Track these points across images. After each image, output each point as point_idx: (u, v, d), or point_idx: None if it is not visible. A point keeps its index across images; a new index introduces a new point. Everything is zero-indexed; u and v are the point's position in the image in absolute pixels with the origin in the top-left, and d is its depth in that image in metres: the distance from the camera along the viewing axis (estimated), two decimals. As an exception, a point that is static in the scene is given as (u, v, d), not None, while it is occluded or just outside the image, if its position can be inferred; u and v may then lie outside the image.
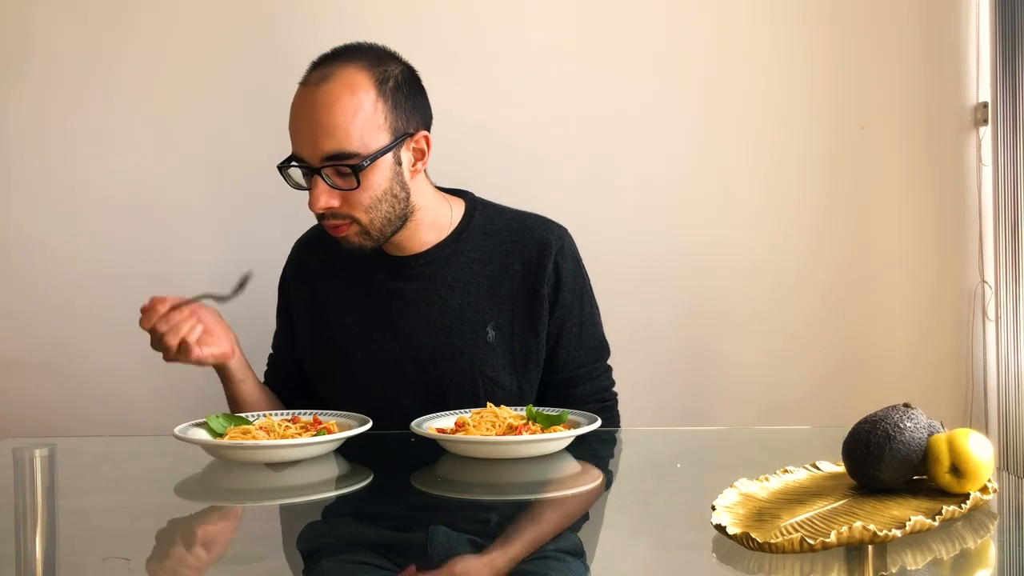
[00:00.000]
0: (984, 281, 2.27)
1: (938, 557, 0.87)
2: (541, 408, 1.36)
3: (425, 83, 1.53)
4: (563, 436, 1.27)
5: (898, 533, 0.85)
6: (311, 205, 1.40)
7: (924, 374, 2.26)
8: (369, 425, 1.32)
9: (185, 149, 2.13)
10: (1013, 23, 2.11)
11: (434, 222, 1.53)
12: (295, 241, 1.69)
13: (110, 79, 2.12)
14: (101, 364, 2.14)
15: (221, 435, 1.32)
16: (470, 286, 1.52)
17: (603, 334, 1.60)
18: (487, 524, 1.10)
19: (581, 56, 2.16)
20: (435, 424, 1.36)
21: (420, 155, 1.48)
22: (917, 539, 0.89)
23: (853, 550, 0.86)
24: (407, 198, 1.47)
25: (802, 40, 2.19)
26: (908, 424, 0.99)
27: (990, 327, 2.27)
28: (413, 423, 1.34)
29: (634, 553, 0.98)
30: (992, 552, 0.94)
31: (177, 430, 1.31)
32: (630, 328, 2.01)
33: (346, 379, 1.53)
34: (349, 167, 1.38)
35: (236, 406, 1.53)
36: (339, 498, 1.22)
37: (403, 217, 1.48)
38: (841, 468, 1.08)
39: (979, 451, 0.97)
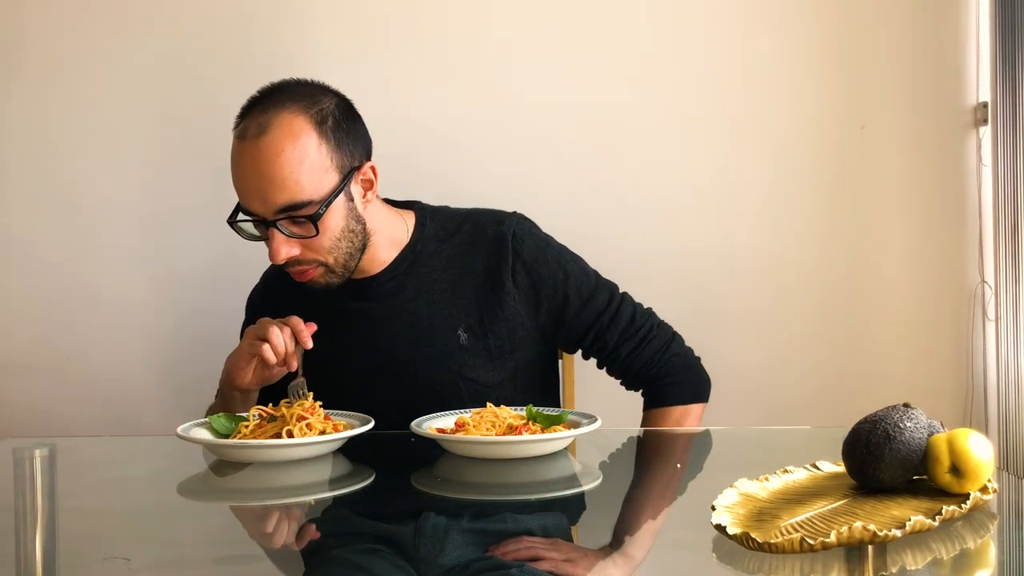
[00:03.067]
0: (984, 281, 2.27)
1: (938, 557, 0.87)
2: (541, 408, 1.36)
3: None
4: (562, 436, 1.27)
5: (898, 533, 0.85)
6: (272, 258, 1.39)
7: (924, 374, 2.26)
8: (371, 424, 1.32)
9: (186, 149, 2.14)
10: (1013, 23, 2.10)
11: (390, 239, 1.53)
12: (263, 271, 1.67)
13: (109, 79, 2.13)
14: (101, 365, 2.15)
15: (224, 435, 1.32)
16: (434, 293, 1.53)
17: (601, 277, 1.60)
18: (484, 521, 1.11)
19: (582, 59, 2.17)
20: (435, 424, 1.36)
21: (369, 185, 1.47)
22: (917, 539, 0.89)
23: (853, 550, 0.86)
24: (363, 229, 1.47)
25: (802, 40, 2.20)
26: (908, 424, 0.99)
27: (990, 327, 2.27)
28: (413, 423, 1.34)
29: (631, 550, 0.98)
30: (992, 552, 0.94)
31: (180, 430, 1.31)
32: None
33: (325, 403, 1.47)
34: (305, 217, 1.38)
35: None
36: (339, 498, 1.22)
37: (363, 247, 1.48)
38: (841, 468, 1.08)
39: (979, 451, 0.97)
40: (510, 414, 1.32)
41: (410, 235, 1.55)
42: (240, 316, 1.68)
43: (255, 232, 1.43)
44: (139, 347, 2.16)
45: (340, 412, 1.39)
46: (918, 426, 0.99)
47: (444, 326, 1.52)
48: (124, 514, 1.13)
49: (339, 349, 1.53)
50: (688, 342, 1.65)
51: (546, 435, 1.26)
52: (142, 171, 2.14)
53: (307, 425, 1.29)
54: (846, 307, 2.22)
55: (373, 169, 1.47)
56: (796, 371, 2.21)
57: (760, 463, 1.36)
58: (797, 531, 0.88)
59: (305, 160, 1.37)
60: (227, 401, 1.48)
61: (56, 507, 1.10)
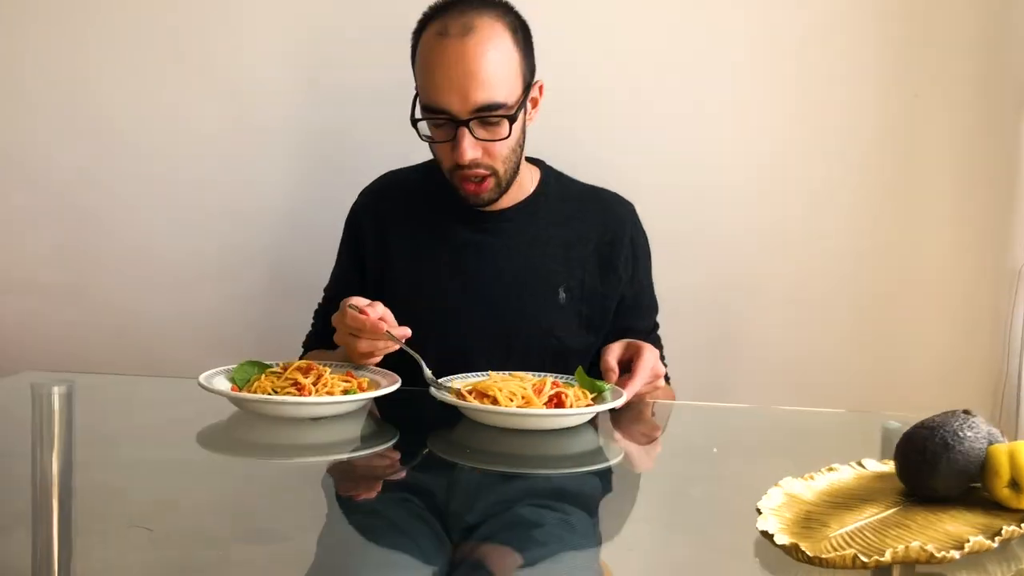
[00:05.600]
0: (1029, 262, 2.20)
1: (992, 578, 0.83)
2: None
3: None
4: (582, 412, 1.22)
5: (956, 555, 0.81)
6: (459, 157, 1.40)
7: (959, 355, 2.20)
8: (396, 386, 1.28)
9: (207, 76, 2.07)
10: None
11: (520, 181, 1.54)
12: (362, 189, 1.65)
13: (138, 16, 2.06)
14: (116, 291, 2.12)
15: (243, 384, 1.28)
16: (547, 247, 1.54)
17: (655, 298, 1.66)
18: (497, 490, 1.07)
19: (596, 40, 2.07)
20: (460, 383, 1.32)
21: (535, 104, 1.50)
22: (970, 556, 0.84)
23: (906, 565, 0.82)
24: (523, 150, 1.50)
25: (857, 5, 2.09)
26: (968, 433, 0.94)
27: (1031, 309, 2.21)
28: (437, 381, 1.30)
29: (668, 552, 0.94)
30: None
31: (202, 378, 1.27)
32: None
33: (411, 323, 1.46)
34: (501, 117, 1.39)
35: None
36: (360, 458, 1.19)
37: (518, 171, 1.50)
38: (887, 468, 1.04)
39: (1041, 466, 0.92)
40: (535, 381, 1.28)
41: (535, 186, 1.57)
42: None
43: (430, 134, 1.44)
44: (155, 279, 2.12)
45: (372, 369, 1.35)
46: (978, 435, 0.95)
47: (548, 280, 1.53)
48: (145, 467, 1.10)
49: (439, 272, 1.53)
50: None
51: (565, 410, 1.21)
52: (168, 96, 2.07)
53: (325, 384, 1.25)
54: (884, 283, 2.16)
55: (541, 88, 1.50)
56: (827, 347, 2.15)
57: (798, 451, 1.33)
58: (849, 545, 0.84)
59: (507, 63, 1.39)
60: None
61: (75, 459, 1.07)
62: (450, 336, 1.50)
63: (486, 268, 1.52)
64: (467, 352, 1.49)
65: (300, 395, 1.23)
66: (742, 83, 2.09)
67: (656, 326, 1.65)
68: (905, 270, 2.16)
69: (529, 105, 1.48)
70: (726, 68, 2.08)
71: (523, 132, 1.48)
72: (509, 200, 1.54)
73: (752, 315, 2.13)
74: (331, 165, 2.03)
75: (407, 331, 1.33)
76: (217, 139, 2.06)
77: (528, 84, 1.45)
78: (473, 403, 1.22)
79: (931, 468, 0.93)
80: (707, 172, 2.09)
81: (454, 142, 1.41)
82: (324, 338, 1.55)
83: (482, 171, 1.44)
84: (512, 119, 1.40)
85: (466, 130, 1.39)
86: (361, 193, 1.65)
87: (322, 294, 1.66)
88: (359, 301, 1.34)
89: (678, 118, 2.08)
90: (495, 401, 1.22)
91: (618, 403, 1.24)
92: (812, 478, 1.00)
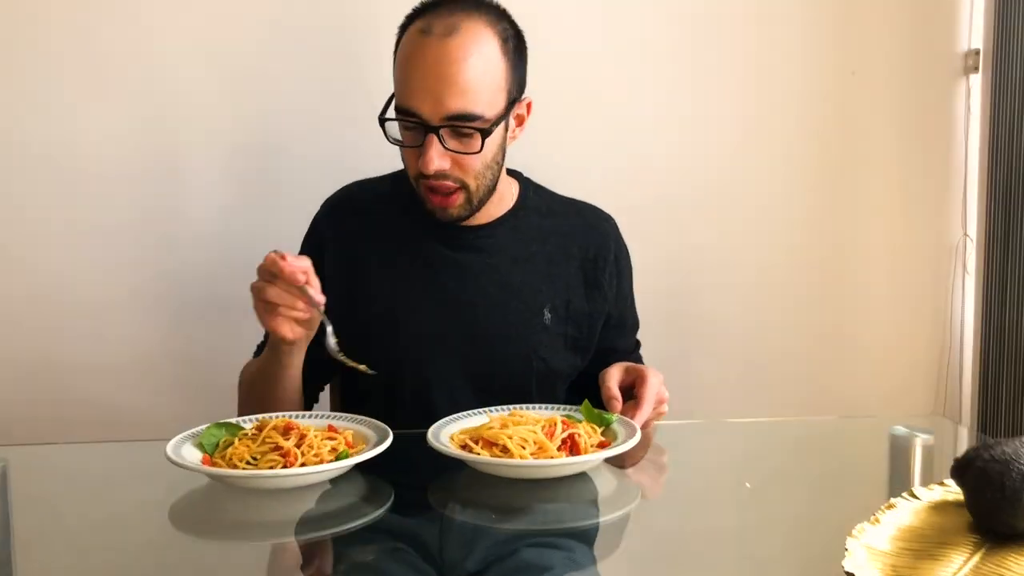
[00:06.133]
0: (966, 235, 2.22)
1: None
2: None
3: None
4: (603, 456, 1.12)
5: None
6: (424, 166, 1.28)
7: (903, 328, 2.21)
8: (390, 440, 1.15)
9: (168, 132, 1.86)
10: (1018, -32, 2.01)
11: (500, 194, 1.42)
12: (324, 201, 1.50)
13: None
14: (41, 334, 1.87)
15: (213, 451, 1.13)
16: (529, 264, 1.43)
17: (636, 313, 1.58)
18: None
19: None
20: (461, 425, 1.21)
21: (520, 121, 1.39)
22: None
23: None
24: (501, 167, 1.38)
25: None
26: (1046, 464, 0.88)
27: (969, 281, 2.23)
28: (430, 431, 1.18)
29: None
30: None
31: (170, 450, 1.11)
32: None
33: (385, 353, 1.37)
34: (474, 130, 1.28)
35: (279, 389, 1.33)
36: (351, 529, 1.06)
37: (493, 189, 1.38)
38: (940, 494, 0.98)
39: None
40: (545, 419, 1.17)
41: (514, 200, 1.46)
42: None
43: (399, 137, 1.33)
44: (84, 321, 1.88)
45: (356, 418, 1.22)
46: (1054, 464, 0.89)
47: (532, 299, 1.42)
48: (111, 554, 0.94)
49: (413, 293, 1.39)
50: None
51: (585, 457, 1.11)
52: (118, 152, 1.83)
53: (311, 446, 1.11)
54: (824, 257, 2.14)
55: (529, 106, 1.39)
56: (770, 326, 2.12)
57: (811, 467, 1.27)
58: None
59: (488, 72, 1.28)
60: (274, 351, 1.30)
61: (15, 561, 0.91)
62: (429, 362, 1.38)
63: (467, 288, 1.39)
64: (448, 379, 1.38)
65: (284, 461, 1.09)
66: (675, 67, 2.02)
67: (638, 344, 1.57)
68: (845, 251, 2.15)
69: (513, 122, 1.37)
70: (661, 51, 2.01)
71: (502, 149, 1.35)
72: (488, 215, 1.42)
73: (694, 297, 2.08)
74: (267, 181, 1.86)
75: (323, 297, 1.20)
76: (133, 159, 1.85)
77: (513, 100, 1.34)
78: (484, 457, 1.10)
79: (1010, 505, 0.88)
80: (637, 159, 2.01)
81: (422, 148, 1.29)
82: None
83: (450, 183, 1.32)
84: (486, 133, 1.28)
85: (435, 138, 1.27)
86: (324, 204, 1.49)
87: None
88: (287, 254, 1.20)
89: (611, 106, 1.99)
90: (504, 449, 1.11)
91: (633, 441, 1.15)
92: (877, 521, 0.93)
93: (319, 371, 1.44)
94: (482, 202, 1.37)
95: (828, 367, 2.17)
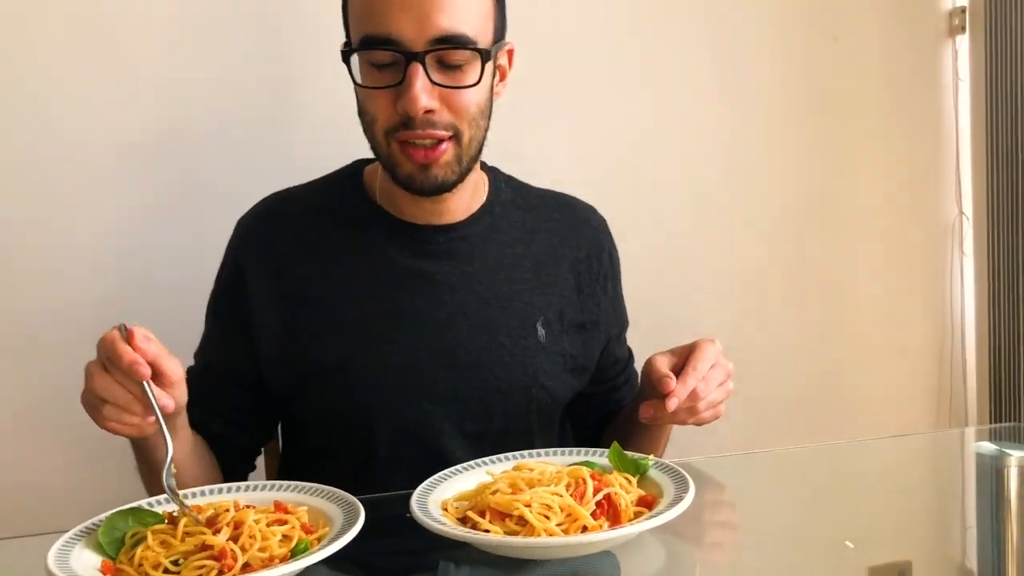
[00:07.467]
0: (962, 213, 2.01)
1: None
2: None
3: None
4: (654, 522, 0.83)
5: None
6: (409, 104, 0.99)
7: (898, 317, 2.00)
8: (361, 522, 0.84)
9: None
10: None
11: (474, 184, 1.13)
12: (238, 221, 1.16)
13: None
14: None
15: (113, 557, 0.82)
16: (515, 271, 1.14)
17: None
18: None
19: None
20: (455, 487, 0.92)
21: (503, 74, 1.11)
22: None
23: None
24: (487, 128, 1.08)
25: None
26: None
27: (968, 264, 2.03)
28: (414, 499, 0.88)
29: None
30: None
31: (51, 559, 0.78)
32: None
33: (343, 398, 1.06)
34: (472, 53, 1.01)
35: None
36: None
37: (480, 152, 1.09)
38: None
39: None
40: (563, 470, 0.89)
41: (487, 194, 1.16)
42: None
43: (364, 81, 1.02)
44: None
45: (311, 489, 0.91)
46: None
47: (524, 314, 1.13)
48: None
49: (375, 317, 1.08)
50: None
51: (632, 527, 0.82)
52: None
53: (253, 538, 0.80)
54: (808, 246, 1.90)
55: (511, 54, 1.11)
56: (767, 313, 1.88)
57: (905, 501, 1.01)
58: None
59: None
60: (138, 450, 0.99)
61: None
62: (402, 404, 1.07)
63: (442, 305, 1.09)
64: (428, 424, 1.08)
65: (219, 566, 0.78)
66: (651, 38, 1.76)
67: (631, 353, 1.29)
68: (830, 238, 1.92)
69: (496, 73, 1.09)
70: (636, 23, 1.74)
71: (489, 102, 1.06)
72: (462, 210, 1.12)
73: (681, 285, 1.82)
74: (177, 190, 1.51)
75: (171, 403, 0.89)
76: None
77: (500, 40, 1.07)
78: (499, 537, 0.81)
79: None
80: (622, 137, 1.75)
81: (400, 87, 0.99)
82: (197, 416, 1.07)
83: (439, 132, 1.01)
84: (485, 59, 1.01)
85: (420, 67, 0.99)
86: (237, 226, 1.16)
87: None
88: (139, 330, 0.88)
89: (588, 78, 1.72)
90: (521, 521, 0.82)
91: (688, 498, 0.86)
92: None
93: (254, 418, 1.13)
94: (471, 165, 1.07)
95: (822, 362, 1.93)
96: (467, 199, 1.12)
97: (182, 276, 1.43)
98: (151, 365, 0.87)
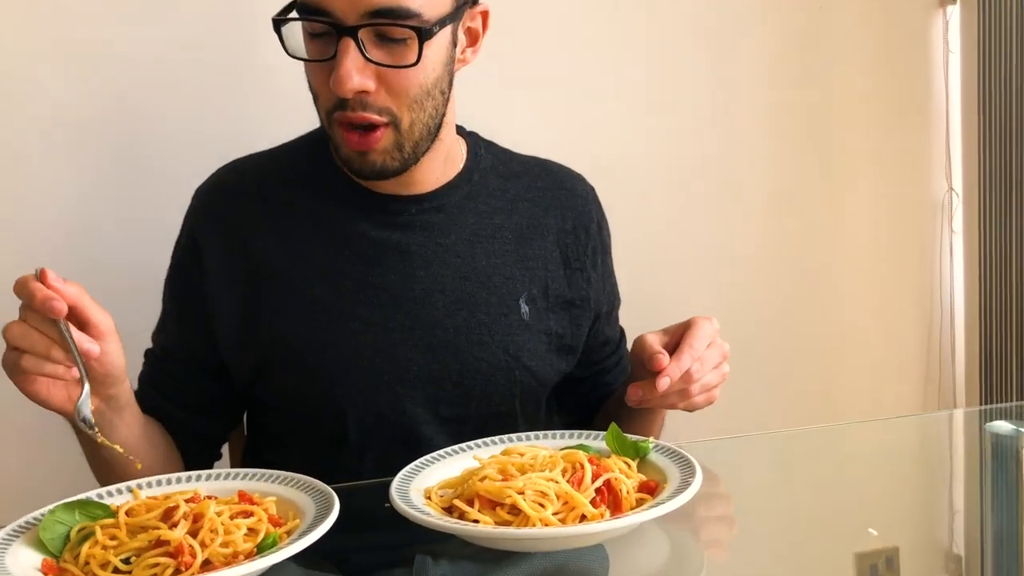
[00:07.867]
0: (951, 189, 1.96)
1: None
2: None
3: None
4: (652, 515, 0.75)
5: None
6: (336, 85, 0.90)
7: (887, 297, 1.94)
8: (335, 513, 0.76)
9: None
10: None
11: (448, 151, 1.04)
12: (197, 189, 1.06)
13: None
14: None
15: (57, 555, 0.73)
16: (495, 243, 1.05)
17: None
18: None
19: None
20: (438, 474, 0.84)
21: (473, 38, 1.01)
22: None
23: None
24: (445, 102, 0.98)
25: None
26: None
27: (957, 241, 1.97)
28: (394, 486, 0.80)
29: None
30: None
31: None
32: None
33: (309, 380, 0.97)
34: (409, 30, 0.90)
35: (118, 466, 0.92)
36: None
37: (435, 132, 0.99)
38: None
39: None
40: (557, 454, 0.81)
41: (464, 161, 1.07)
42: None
43: (301, 50, 0.94)
44: None
45: (280, 477, 0.82)
46: None
47: (504, 289, 1.04)
48: None
49: (343, 295, 1.00)
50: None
51: (631, 518, 0.74)
52: None
53: (215, 532, 0.72)
54: (795, 225, 1.83)
55: (485, 16, 1.01)
56: (755, 291, 1.81)
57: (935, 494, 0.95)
58: None
59: None
60: (81, 433, 0.90)
61: None
62: (376, 387, 0.98)
63: (416, 281, 1.01)
64: (405, 408, 0.99)
65: (176, 563, 0.69)
66: (635, 12, 1.67)
67: (623, 333, 1.22)
68: (817, 215, 1.86)
69: (463, 37, 0.99)
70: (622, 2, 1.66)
71: (448, 72, 0.97)
72: (434, 179, 1.04)
73: (671, 270, 1.74)
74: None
75: (95, 347, 0.81)
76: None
77: (464, 3, 0.96)
78: (492, 528, 0.72)
79: None
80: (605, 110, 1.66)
81: (333, 61, 0.90)
82: (156, 401, 1.01)
83: (372, 115, 0.92)
84: (425, 35, 0.90)
85: (351, 43, 0.89)
86: (196, 195, 1.06)
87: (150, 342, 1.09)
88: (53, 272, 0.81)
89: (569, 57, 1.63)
90: (514, 510, 0.74)
91: (695, 484, 0.78)
92: None
93: (218, 402, 1.04)
94: (418, 149, 0.98)
95: (807, 338, 1.87)
96: (439, 168, 1.03)
97: (141, 256, 1.33)
98: (74, 312, 0.80)
